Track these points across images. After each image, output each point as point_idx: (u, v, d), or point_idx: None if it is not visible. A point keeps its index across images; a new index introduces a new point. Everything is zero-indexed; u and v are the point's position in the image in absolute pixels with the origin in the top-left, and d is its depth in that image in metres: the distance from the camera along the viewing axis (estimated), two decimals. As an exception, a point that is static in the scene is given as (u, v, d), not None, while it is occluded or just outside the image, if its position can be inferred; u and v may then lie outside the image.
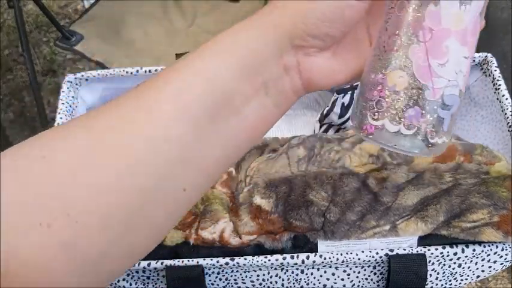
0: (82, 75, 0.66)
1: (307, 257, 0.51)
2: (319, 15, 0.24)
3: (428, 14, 0.25)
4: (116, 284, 0.54)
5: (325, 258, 0.51)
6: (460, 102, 0.27)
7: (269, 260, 0.51)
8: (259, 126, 0.27)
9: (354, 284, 0.55)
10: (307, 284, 0.55)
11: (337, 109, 0.66)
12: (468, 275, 0.55)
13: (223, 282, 0.54)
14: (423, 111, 0.26)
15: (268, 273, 0.54)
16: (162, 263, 0.51)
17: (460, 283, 0.56)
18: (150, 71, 0.66)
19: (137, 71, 0.66)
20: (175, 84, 0.24)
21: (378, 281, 0.55)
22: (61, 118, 0.62)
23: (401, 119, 0.26)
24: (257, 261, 0.51)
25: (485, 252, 0.52)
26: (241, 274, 0.54)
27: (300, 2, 0.25)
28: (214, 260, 0.51)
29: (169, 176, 0.24)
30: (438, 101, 0.26)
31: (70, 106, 0.64)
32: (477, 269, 0.55)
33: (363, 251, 0.52)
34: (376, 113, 0.27)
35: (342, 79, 0.28)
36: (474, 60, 0.65)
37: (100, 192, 0.22)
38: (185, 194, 0.25)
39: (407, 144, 0.26)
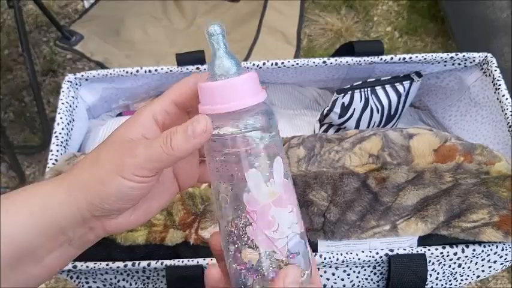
0: (82, 75, 0.66)
1: (307, 257, 0.51)
2: (109, 195, 0.28)
3: (246, 201, 0.28)
4: (116, 284, 0.54)
5: (325, 258, 0.51)
6: (303, 240, 0.30)
7: (269, 260, 0.51)
8: (58, 267, 0.30)
9: (354, 284, 0.55)
10: (307, 284, 0.55)
11: (337, 109, 0.66)
12: (468, 275, 0.55)
13: (223, 282, 0.54)
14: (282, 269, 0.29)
15: (268, 273, 0.53)
16: (162, 263, 0.51)
17: (460, 283, 0.56)
18: (150, 71, 0.66)
19: (137, 71, 0.66)
20: None
21: (378, 281, 0.55)
22: (61, 118, 0.62)
23: (269, 284, 0.29)
24: (257, 261, 0.51)
25: (485, 252, 0.52)
26: (241, 274, 0.53)
27: (93, 183, 0.28)
28: (214, 259, 0.51)
29: None
30: (288, 255, 0.29)
31: (70, 106, 0.64)
32: (477, 269, 0.55)
33: (363, 251, 0.52)
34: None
35: (145, 221, 0.32)
36: (474, 60, 0.65)
37: None
38: None
39: None
